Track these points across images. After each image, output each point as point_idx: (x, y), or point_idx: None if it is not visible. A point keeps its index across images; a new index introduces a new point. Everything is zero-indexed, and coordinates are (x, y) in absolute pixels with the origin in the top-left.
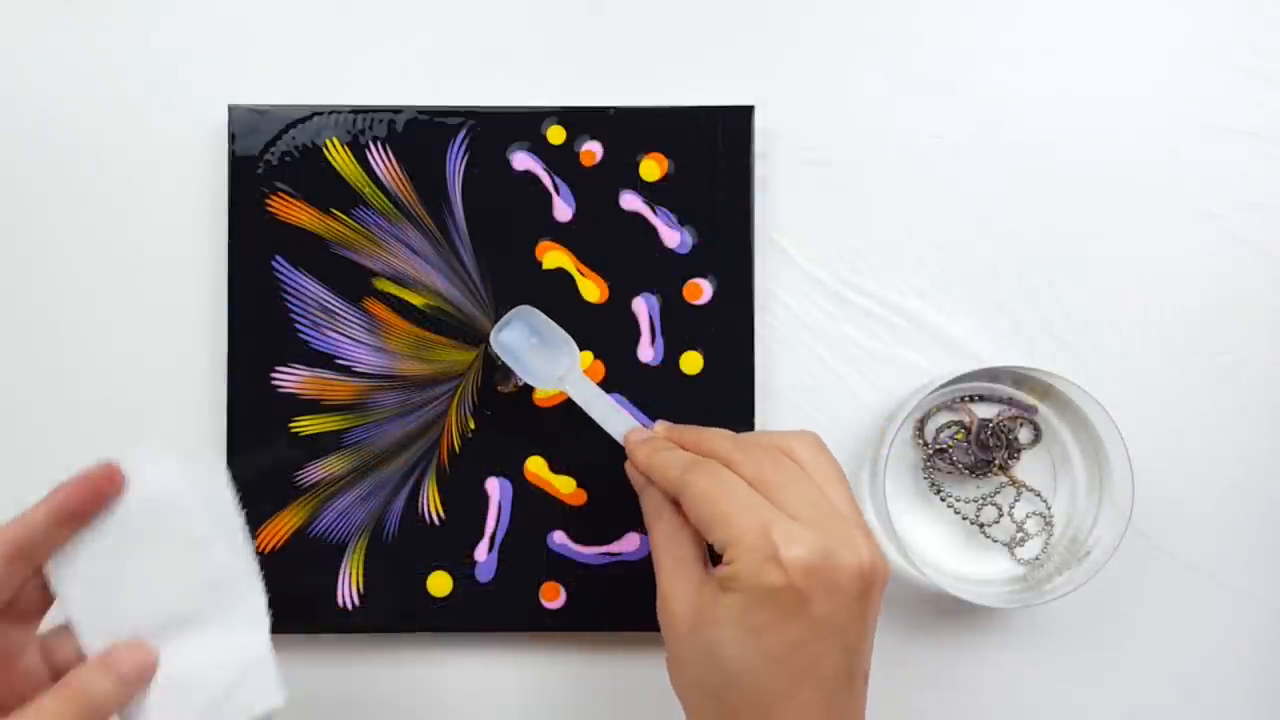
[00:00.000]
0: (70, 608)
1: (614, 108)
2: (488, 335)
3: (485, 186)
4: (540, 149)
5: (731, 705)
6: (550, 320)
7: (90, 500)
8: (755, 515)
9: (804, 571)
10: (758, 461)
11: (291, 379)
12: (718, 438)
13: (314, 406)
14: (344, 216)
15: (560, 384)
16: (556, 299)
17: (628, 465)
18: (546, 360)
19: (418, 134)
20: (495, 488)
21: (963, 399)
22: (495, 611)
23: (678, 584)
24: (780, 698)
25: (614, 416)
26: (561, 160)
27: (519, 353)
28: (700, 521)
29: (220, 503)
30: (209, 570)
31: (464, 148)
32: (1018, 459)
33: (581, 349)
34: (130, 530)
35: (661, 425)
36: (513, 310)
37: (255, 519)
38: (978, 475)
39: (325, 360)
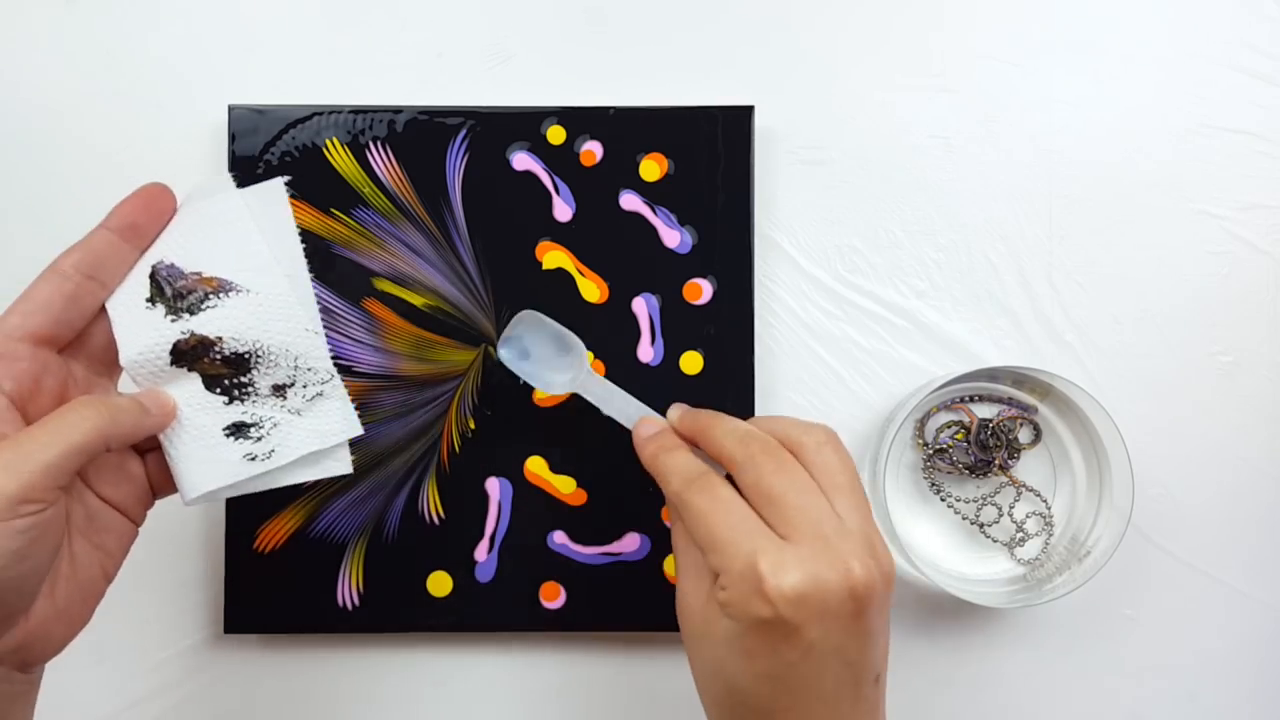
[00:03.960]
0: (123, 347)
1: (614, 108)
2: (488, 335)
3: (485, 186)
4: (540, 149)
5: (736, 711)
6: (555, 322)
7: (146, 211)
8: (744, 542)
9: (791, 602)
10: (759, 467)
11: None
12: (723, 433)
13: None
14: (344, 216)
15: (572, 386)
16: (556, 299)
17: None
18: (556, 364)
19: (418, 134)
20: (495, 488)
21: (963, 399)
22: (495, 611)
23: (690, 590)
24: (780, 711)
25: (629, 409)
26: (561, 160)
27: (527, 363)
28: (696, 542)
29: (280, 227)
30: (269, 299)
31: (464, 148)
32: (1017, 459)
33: None
34: (187, 259)
35: (675, 412)
36: (515, 318)
37: (255, 519)
38: (978, 475)
39: None
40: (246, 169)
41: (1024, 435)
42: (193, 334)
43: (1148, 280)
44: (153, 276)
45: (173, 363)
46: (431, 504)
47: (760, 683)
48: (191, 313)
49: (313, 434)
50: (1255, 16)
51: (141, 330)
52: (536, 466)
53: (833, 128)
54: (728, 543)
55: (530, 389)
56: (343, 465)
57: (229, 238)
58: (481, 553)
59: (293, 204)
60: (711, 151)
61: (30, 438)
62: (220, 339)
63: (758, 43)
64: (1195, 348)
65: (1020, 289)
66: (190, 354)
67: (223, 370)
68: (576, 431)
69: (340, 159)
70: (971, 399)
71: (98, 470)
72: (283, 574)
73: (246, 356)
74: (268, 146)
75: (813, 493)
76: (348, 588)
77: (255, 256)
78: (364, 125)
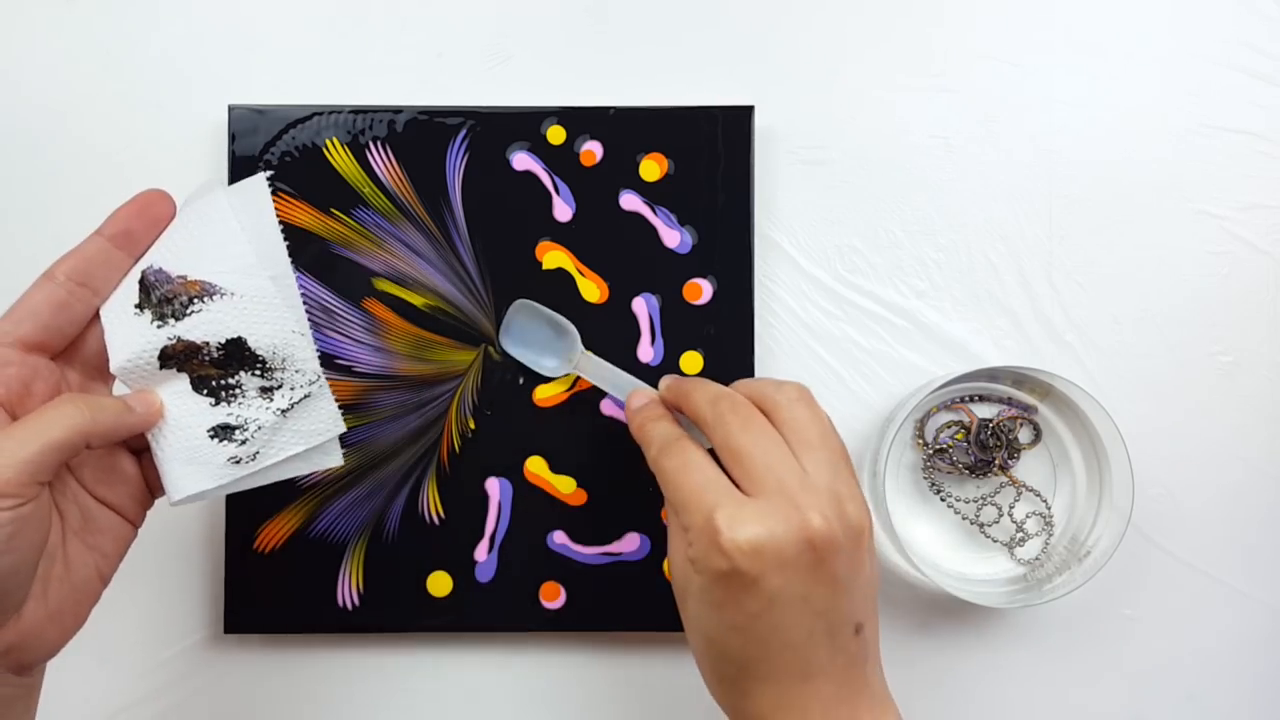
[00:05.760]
0: (113, 354)
1: (614, 108)
2: (488, 335)
3: (485, 186)
4: (540, 149)
5: (717, 664)
6: (546, 309)
7: (141, 218)
8: (705, 499)
9: (748, 554)
10: (726, 425)
11: None
12: (697, 397)
13: None
14: (344, 216)
15: (572, 368)
16: (556, 299)
17: None
18: (553, 349)
19: (418, 134)
20: (495, 488)
21: (963, 399)
22: (495, 611)
23: (674, 551)
24: (753, 661)
25: (624, 384)
26: (561, 160)
27: (528, 351)
28: (669, 504)
29: (264, 225)
30: (254, 301)
31: (464, 148)
32: (1017, 459)
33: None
34: (175, 263)
35: (664, 383)
36: (510, 309)
37: (255, 519)
38: (978, 475)
39: (326, 360)
40: (246, 169)
41: (1024, 435)
42: (179, 339)
43: (1148, 280)
44: (141, 282)
45: (161, 366)
46: (431, 504)
47: (731, 634)
48: (177, 318)
49: (298, 435)
50: (1255, 16)
51: (130, 336)
52: (536, 466)
53: (833, 128)
54: (691, 500)
55: (530, 389)
56: (333, 458)
57: (213, 239)
58: (481, 553)
59: (293, 204)
60: (711, 151)
61: (8, 435)
62: (207, 343)
63: (758, 43)
64: (1195, 348)
65: (1020, 289)
66: (178, 358)
67: (211, 371)
68: (576, 432)
69: (340, 159)
70: (971, 399)
71: (91, 470)
72: (283, 574)
73: (233, 359)
74: (268, 146)
75: (778, 448)
76: (348, 588)
77: (239, 258)
78: (364, 125)
